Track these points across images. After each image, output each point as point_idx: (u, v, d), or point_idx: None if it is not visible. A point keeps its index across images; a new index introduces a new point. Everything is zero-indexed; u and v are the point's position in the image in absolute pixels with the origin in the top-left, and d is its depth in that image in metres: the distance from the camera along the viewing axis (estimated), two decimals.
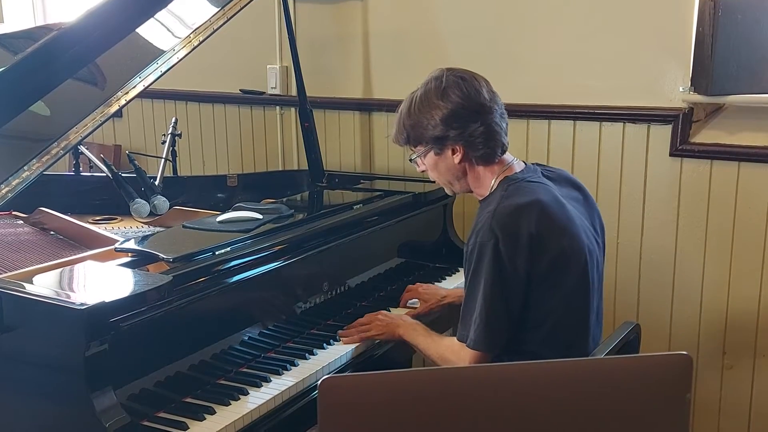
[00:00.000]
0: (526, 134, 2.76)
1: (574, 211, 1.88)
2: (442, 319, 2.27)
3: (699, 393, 2.58)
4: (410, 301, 2.29)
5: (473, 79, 1.88)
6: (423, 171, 1.99)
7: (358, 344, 2.01)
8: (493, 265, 1.76)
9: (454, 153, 1.88)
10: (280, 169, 3.35)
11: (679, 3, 2.44)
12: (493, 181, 1.90)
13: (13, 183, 1.83)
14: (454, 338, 1.88)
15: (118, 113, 2.26)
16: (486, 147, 1.87)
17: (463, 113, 1.84)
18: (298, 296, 2.07)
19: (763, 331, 2.49)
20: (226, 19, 2.38)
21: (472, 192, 1.96)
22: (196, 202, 2.64)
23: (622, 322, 2.10)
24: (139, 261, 1.83)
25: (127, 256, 1.86)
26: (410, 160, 2.00)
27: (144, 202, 2.44)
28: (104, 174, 2.55)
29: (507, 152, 1.93)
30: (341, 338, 2.03)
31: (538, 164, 1.99)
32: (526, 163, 1.96)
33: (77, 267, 1.78)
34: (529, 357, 1.82)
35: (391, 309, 2.24)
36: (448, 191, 2.04)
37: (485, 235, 1.77)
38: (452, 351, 1.86)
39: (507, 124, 1.91)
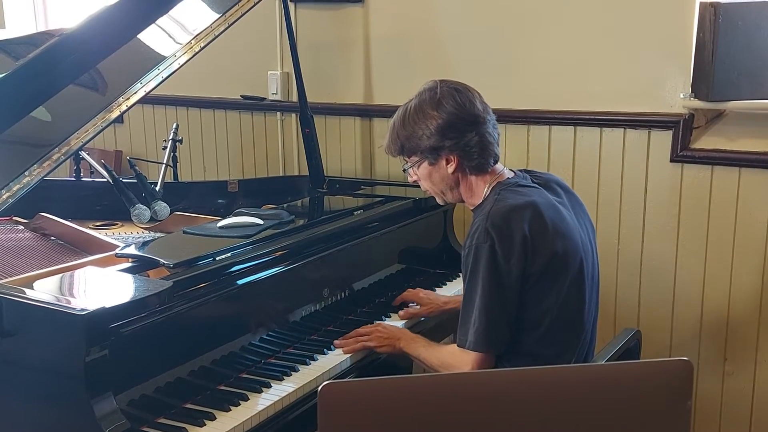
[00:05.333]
0: (527, 140, 2.76)
1: (567, 214, 1.90)
2: (442, 326, 2.27)
3: (700, 399, 2.57)
4: (411, 304, 2.29)
5: (467, 91, 1.90)
6: (414, 181, 2.00)
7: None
8: (489, 266, 1.77)
9: (448, 163, 1.90)
10: (281, 174, 3.35)
11: (680, 9, 2.44)
12: (485, 189, 1.92)
13: (14, 188, 1.84)
14: (455, 345, 1.88)
15: (119, 119, 2.27)
16: (480, 157, 1.89)
17: (458, 123, 1.86)
18: (299, 302, 2.07)
19: (764, 337, 2.48)
20: (227, 25, 2.39)
21: (463, 202, 1.98)
22: (197, 208, 2.64)
23: (623, 328, 2.11)
24: (140, 266, 1.83)
25: (128, 262, 1.86)
26: (404, 170, 2.01)
27: (145, 207, 2.43)
28: (105, 179, 2.54)
29: (498, 162, 1.95)
30: (337, 347, 2.00)
31: (526, 171, 2.01)
32: (515, 171, 1.98)
33: (78, 272, 1.78)
34: (527, 358, 1.84)
35: (391, 315, 2.24)
36: (439, 201, 2.05)
37: (481, 237, 1.79)
38: (454, 356, 1.86)
39: (499, 134, 1.94)
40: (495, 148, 1.91)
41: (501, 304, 1.79)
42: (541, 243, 1.79)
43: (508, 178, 1.93)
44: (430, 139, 1.87)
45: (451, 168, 1.90)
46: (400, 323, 2.19)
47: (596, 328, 1.98)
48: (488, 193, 1.90)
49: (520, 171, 1.99)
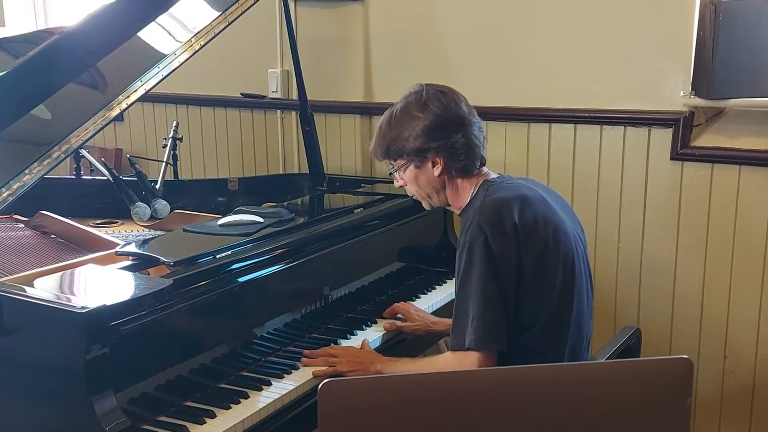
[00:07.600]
0: (527, 137, 2.76)
1: (556, 208, 1.90)
2: (422, 338, 2.24)
3: (700, 397, 2.57)
4: (398, 315, 2.25)
5: (452, 93, 1.92)
6: (401, 186, 2.00)
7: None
8: (485, 261, 1.76)
9: (434, 165, 1.90)
10: (281, 172, 3.35)
11: (680, 7, 2.44)
12: (472, 191, 1.91)
13: (14, 186, 1.83)
14: (448, 353, 1.85)
15: (120, 117, 2.27)
16: (467, 159, 1.90)
17: (444, 125, 1.87)
18: (299, 300, 2.07)
19: (764, 335, 2.48)
20: (227, 23, 2.39)
21: (449, 206, 1.98)
22: (197, 206, 2.64)
23: (623, 326, 2.11)
24: (140, 264, 1.83)
25: (128, 260, 1.86)
26: (389, 174, 2.01)
27: (145, 205, 2.44)
28: (105, 177, 2.55)
29: (485, 166, 1.95)
30: (305, 364, 1.89)
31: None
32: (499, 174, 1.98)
33: (78, 270, 1.78)
34: (526, 353, 1.81)
35: (378, 321, 2.19)
36: (425, 206, 2.03)
37: (474, 232, 1.78)
38: (454, 361, 1.79)
39: (485, 137, 1.94)
40: (481, 150, 1.92)
41: (499, 299, 1.77)
42: (533, 234, 1.79)
43: (494, 177, 1.94)
44: (416, 140, 1.87)
45: (437, 170, 1.90)
46: (379, 335, 2.13)
47: (592, 325, 1.97)
48: (476, 192, 1.90)
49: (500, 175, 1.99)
